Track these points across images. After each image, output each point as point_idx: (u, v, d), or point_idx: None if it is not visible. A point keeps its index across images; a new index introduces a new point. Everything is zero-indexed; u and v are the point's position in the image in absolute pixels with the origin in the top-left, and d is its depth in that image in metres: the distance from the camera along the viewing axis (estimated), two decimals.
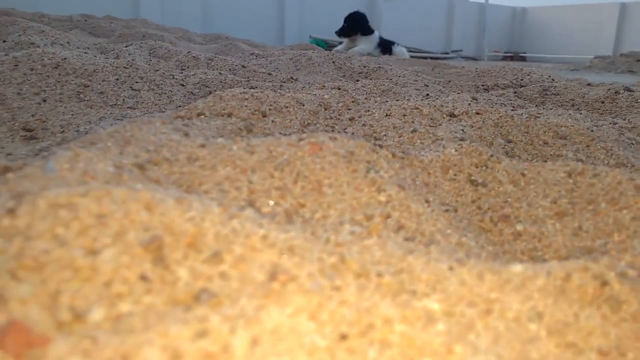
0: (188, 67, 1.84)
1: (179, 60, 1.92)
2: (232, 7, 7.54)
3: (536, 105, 1.68)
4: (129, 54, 1.91)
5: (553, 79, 2.13)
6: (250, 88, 1.59)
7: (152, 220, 0.42)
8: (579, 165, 0.75)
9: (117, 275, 0.37)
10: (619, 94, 1.65)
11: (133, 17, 5.82)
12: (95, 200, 0.42)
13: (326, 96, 1.18)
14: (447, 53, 9.10)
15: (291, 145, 0.67)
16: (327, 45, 7.53)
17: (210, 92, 1.53)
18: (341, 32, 5.74)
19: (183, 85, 1.52)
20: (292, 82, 1.78)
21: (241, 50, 2.80)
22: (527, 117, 1.08)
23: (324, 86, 1.38)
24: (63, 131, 1.10)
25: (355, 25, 5.70)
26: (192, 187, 0.60)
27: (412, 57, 6.10)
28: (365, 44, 5.67)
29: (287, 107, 1.05)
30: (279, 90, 1.31)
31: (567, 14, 9.61)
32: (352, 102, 1.18)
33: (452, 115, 1.09)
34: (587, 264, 0.45)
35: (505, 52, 10.02)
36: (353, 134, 1.00)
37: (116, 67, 1.46)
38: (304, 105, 1.09)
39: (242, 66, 1.88)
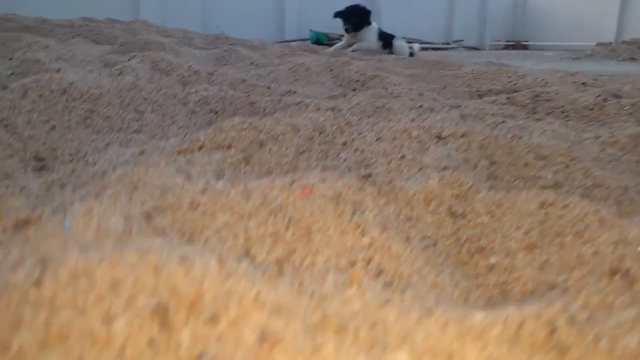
0: (189, 83, 1.90)
1: (180, 75, 1.98)
2: (232, 0, 7.58)
3: (527, 113, 1.73)
4: (132, 69, 1.97)
5: (546, 83, 2.17)
6: (250, 103, 1.66)
7: (159, 284, 0.49)
8: (551, 196, 0.81)
9: (130, 341, 0.43)
10: (607, 101, 1.70)
11: (133, 18, 5.88)
12: (110, 267, 0.49)
13: (321, 119, 1.24)
14: (449, 43, 9.11)
15: (284, 189, 0.73)
16: (328, 39, 7.54)
17: (211, 110, 1.59)
18: (348, 29, 5.68)
19: (185, 105, 1.58)
20: (290, 95, 1.84)
21: (241, 57, 2.85)
22: (511, 138, 1.14)
23: (319, 108, 1.44)
24: (72, 160, 1.17)
25: (360, 19, 5.67)
26: (194, 234, 0.66)
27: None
28: (368, 39, 5.68)
29: (283, 134, 1.11)
30: (276, 113, 1.37)
31: (569, 2, 9.58)
32: (346, 124, 1.24)
33: (439, 137, 1.15)
34: (540, 311, 0.51)
35: (507, 41, 10.01)
36: (346, 160, 1.06)
37: (120, 90, 1.53)
38: (299, 131, 1.15)
39: (242, 80, 1.94)
